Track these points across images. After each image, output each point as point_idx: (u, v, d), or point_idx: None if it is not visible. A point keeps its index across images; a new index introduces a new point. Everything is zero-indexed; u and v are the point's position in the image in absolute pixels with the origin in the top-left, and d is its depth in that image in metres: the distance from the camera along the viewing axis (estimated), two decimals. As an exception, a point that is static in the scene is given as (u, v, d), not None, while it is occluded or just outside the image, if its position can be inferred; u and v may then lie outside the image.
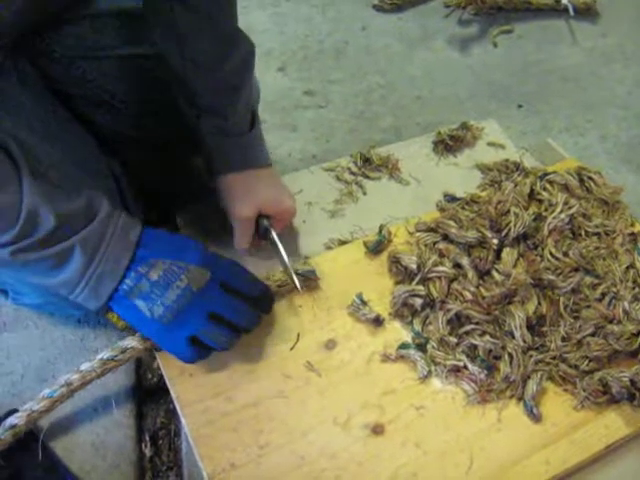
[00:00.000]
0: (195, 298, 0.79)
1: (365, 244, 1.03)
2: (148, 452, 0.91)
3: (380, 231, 1.04)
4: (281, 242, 0.96)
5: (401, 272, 0.98)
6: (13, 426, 0.81)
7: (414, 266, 0.96)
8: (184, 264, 0.79)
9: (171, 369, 0.88)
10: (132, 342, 0.85)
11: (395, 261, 0.99)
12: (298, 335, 0.92)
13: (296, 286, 0.94)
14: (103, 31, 0.92)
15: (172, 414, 0.94)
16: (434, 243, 1.00)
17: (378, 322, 0.93)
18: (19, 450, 0.83)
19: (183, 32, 0.87)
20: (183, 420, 0.84)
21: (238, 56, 0.93)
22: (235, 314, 0.83)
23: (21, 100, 0.83)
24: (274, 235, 0.97)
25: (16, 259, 0.71)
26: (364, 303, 0.94)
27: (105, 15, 0.92)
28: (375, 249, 1.03)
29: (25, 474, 0.83)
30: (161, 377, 0.91)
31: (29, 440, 0.84)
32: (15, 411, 0.82)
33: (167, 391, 0.88)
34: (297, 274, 0.94)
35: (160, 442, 0.93)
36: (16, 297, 0.94)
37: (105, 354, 0.84)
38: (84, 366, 0.84)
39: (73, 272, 0.74)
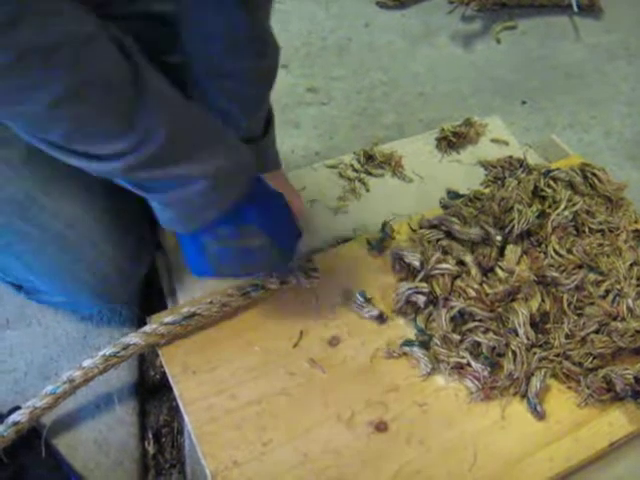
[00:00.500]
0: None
1: (368, 241, 1.03)
2: (151, 449, 0.91)
3: (383, 228, 1.04)
4: None
5: (404, 269, 0.98)
6: (16, 423, 0.81)
7: (417, 263, 0.95)
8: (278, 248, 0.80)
9: (174, 367, 0.88)
10: (134, 339, 0.86)
11: (398, 258, 0.99)
12: (301, 332, 0.92)
13: (300, 282, 0.94)
14: None
15: (175, 411, 0.94)
16: (437, 240, 1.00)
17: (381, 319, 0.93)
18: (23, 448, 0.83)
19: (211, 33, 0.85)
20: (186, 418, 0.84)
21: (267, 64, 0.92)
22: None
23: None
24: None
25: (128, 177, 0.69)
26: (367, 300, 0.94)
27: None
28: (378, 247, 1.02)
29: (29, 472, 0.83)
30: (164, 374, 0.90)
31: (33, 438, 0.85)
32: (18, 408, 0.82)
33: (170, 388, 0.88)
34: (300, 271, 0.94)
35: (163, 440, 0.93)
36: (33, 294, 0.94)
37: (107, 350, 0.85)
38: (86, 363, 0.84)
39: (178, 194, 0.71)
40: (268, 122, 0.99)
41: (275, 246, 0.80)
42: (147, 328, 0.87)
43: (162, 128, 0.66)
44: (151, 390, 0.97)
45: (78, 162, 0.66)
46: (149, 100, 0.64)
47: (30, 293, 0.96)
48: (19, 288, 0.95)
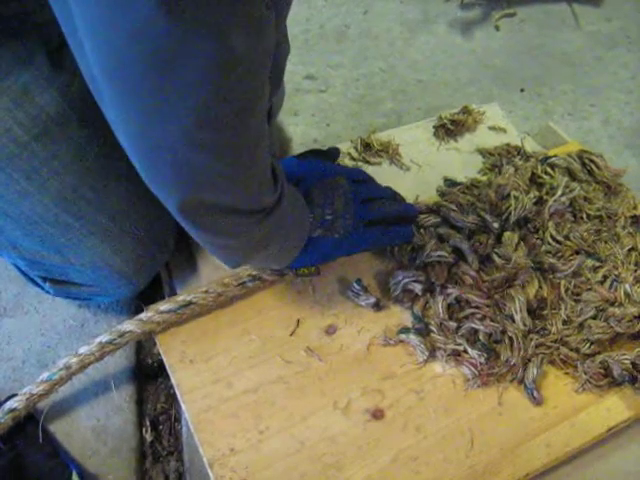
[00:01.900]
0: (351, 194, 0.87)
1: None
2: (149, 437, 0.91)
3: None
4: None
5: (401, 256, 0.98)
6: (12, 409, 0.81)
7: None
8: (325, 179, 0.86)
9: (172, 356, 0.88)
10: (130, 326, 0.85)
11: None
12: (298, 321, 0.92)
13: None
14: None
15: (173, 399, 0.94)
16: (434, 227, 1.00)
17: (378, 307, 0.93)
18: (20, 436, 0.83)
19: None
20: (184, 406, 0.84)
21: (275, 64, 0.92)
22: (385, 191, 0.95)
23: None
24: None
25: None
26: (363, 288, 0.94)
27: None
28: None
29: (26, 459, 0.84)
30: (161, 362, 0.90)
31: (30, 426, 0.85)
32: (14, 396, 0.82)
33: (168, 376, 0.88)
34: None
35: (161, 427, 0.93)
36: (62, 285, 0.94)
37: (104, 338, 0.85)
38: (83, 349, 0.84)
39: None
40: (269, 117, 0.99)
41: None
42: (143, 316, 0.87)
43: (276, 244, 0.77)
44: (148, 378, 0.97)
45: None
46: (273, 222, 0.73)
47: (59, 284, 0.95)
48: (44, 280, 0.94)
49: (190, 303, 0.88)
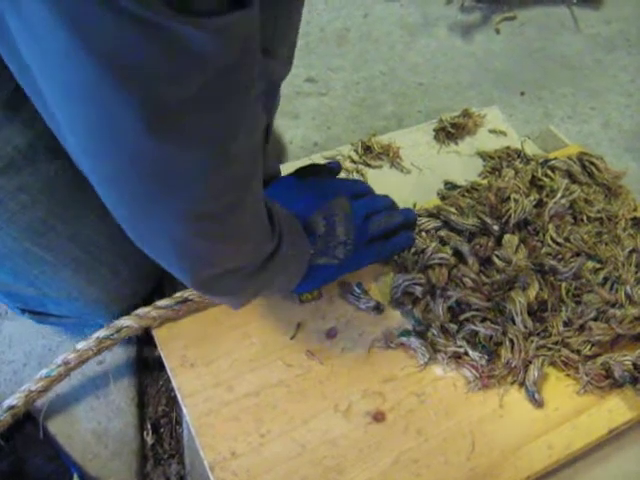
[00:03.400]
0: (352, 216, 0.85)
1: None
2: (150, 440, 0.91)
3: None
4: None
5: (402, 259, 0.98)
6: (12, 407, 0.81)
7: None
8: (326, 202, 0.84)
9: (172, 359, 0.88)
10: (127, 321, 0.86)
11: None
12: (298, 324, 0.92)
13: None
14: None
15: (174, 402, 0.94)
16: (435, 230, 1.00)
17: (378, 310, 0.93)
18: (21, 438, 0.83)
19: None
20: (185, 410, 0.84)
21: None
22: (384, 202, 0.92)
23: None
24: None
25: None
26: (364, 292, 0.94)
27: None
28: None
29: (27, 462, 0.84)
30: (162, 365, 0.90)
31: (31, 428, 0.85)
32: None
33: (168, 380, 0.88)
34: None
35: (162, 430, 0.93)
36: (41, 317, 0.94)
37: (101, 333, 0.86)
38: (80, 345, 0.84)
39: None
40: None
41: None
42: (140, 311, 0.88)
43: (278, 282, 0.78)
44: (149, 381, 0.97)
45: None
46: (275, 266, 0.73)
47: (37, 315, 0.94)
48: (22, 311, 0.94)
49: (187, 300, 0.89)
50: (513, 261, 0.93)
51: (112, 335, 0.86)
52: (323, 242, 0.83)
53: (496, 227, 0.97)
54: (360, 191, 0.91)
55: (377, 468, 0.80)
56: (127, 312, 0.90)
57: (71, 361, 0.84)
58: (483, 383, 0.86)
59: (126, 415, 0.91)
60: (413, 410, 0.85)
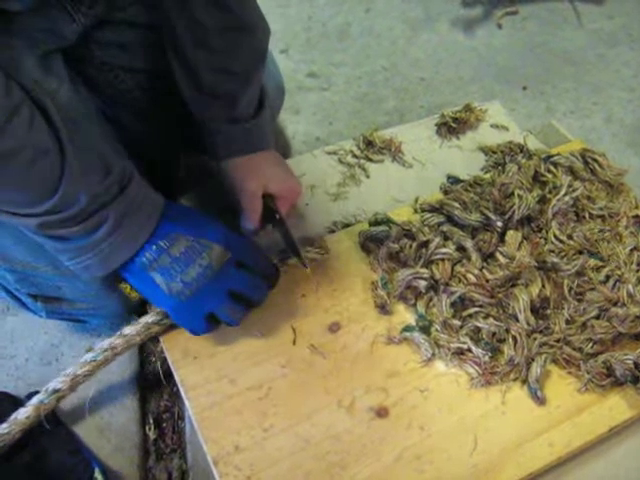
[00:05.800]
0: (215, 276, 0.80)
1: (370, 224, 1.03)
2: (152, 435, 0.91)
3: (380, 223, 1.03)
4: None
5: (405, 255, 0.98)
6: (57, 390, 0.81)
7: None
8: (208, 242, 0.80)
9: (175, 353, 0.88)
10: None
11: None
12: (302, 318, 0.92)
13: (304, 265, 0.93)
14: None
15: (176, 397, 0.94)
16: (438, 225, 1.00)
17: (383, 308, 0.93)
18: (44, 432, 0.83)
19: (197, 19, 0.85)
20: (187, 403, 0.84)
21: (252, 43, 0.91)
22: (251, 290, 0.85)
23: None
24: (281, 213, 0.95)
25: (40, 231, 0.71)
26: (384, 286, 0.94)
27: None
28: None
29: (49, 456, 0.84)
30: (164, 360, 0.91)
31: (54, 423, 0.85)
32: (37, 392, 0.82)
33: (171, 374, 0.88)
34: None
35: (164, 425, 0.93)
36: (53, 303, 0.94)
37: (149, 318, 0.86)
38: (128, 330, 0.85)
39: (89, 242, 0.74)
40: (260, 104, 0.98)
41: (208, 239, 0.81)
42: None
43: (84, 193, 0.71)
44: (152, 376, 0.97)
45: None
46: (71, 166, 0.69)
47: (50, 301, 0.93)
48: (35, 298, 0.92)
49: None
50: (516, 258, 0.93)
51: (161, 320, 0.86)
52: (169, 262, 0.79)
53: (500, 223, 0.97)
54: (249, 263, 0.85)
55: (380, 463, 0.80)
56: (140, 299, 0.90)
57: (118, 346, 0.83)
58: (486, 379, 0.87)
59: (128, 410, 0.91)
60: (416, 406, 0.85)
